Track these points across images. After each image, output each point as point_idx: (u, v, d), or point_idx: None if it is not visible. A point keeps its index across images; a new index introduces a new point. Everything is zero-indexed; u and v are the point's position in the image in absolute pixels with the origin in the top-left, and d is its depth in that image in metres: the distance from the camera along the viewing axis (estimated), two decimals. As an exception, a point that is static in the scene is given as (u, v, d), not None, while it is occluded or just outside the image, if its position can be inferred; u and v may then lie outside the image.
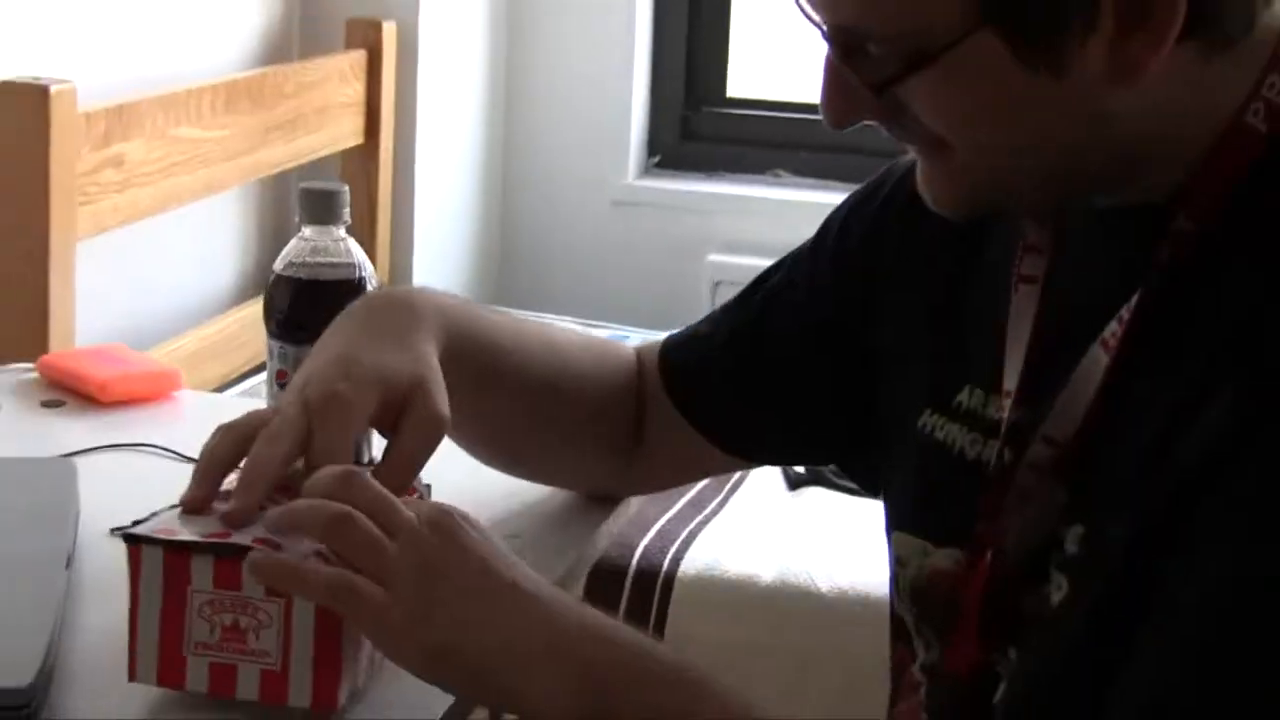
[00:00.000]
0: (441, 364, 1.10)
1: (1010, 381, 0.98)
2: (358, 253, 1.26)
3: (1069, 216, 0.98)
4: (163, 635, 0.96)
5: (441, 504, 0.95)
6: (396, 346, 1.08)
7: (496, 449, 1.25)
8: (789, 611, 1.99)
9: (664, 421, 1.23)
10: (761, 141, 3.39)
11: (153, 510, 1.02)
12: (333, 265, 1.24)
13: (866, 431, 1.13)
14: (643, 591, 2.02)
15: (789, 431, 1.21)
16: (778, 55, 3.42)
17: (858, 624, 1.96)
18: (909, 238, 1.10)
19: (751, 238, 3.17)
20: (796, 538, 2.13)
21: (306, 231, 1.25)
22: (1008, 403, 0.97)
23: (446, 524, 0.93)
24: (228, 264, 2.69)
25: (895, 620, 1.09)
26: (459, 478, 1.19)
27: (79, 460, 1.34)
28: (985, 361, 1.00)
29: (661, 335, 3.02)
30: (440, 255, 3.14)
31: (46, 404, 1.52)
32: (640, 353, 1.27)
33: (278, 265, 1.26)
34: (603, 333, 2.82)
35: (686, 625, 2.01)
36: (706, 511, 2.23)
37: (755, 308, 1.20)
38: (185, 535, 0.96)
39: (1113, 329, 0.91)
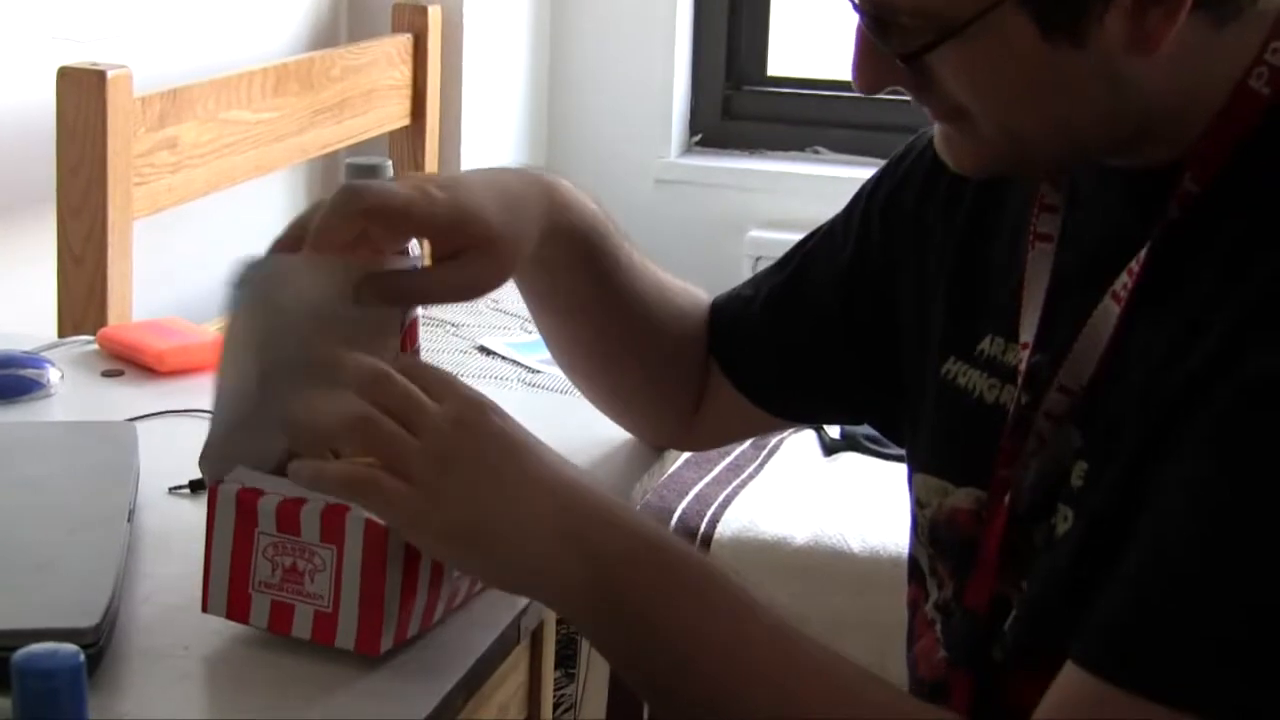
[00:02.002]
0: (559, 243, 1.13)
1: (1027, 333, 1.02)
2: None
3: (1082, 178, 1.02)
4: (233, 572, 1.01)
5: (469, 396, 0.96)
6: (513, 195, 1.10)
7: (575, 351, 1.28)
8: (822, 572, 2.03)
9: (713, 378, 1.27)
10: (801, 119, 3.40)
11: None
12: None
13: (891, 381, 1.17)
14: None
15: (822, 392, 1.24)
16: (817, 34, 3.45)
17: (889, 585, 1.96)
18: (931, 199, 1.14)
19: (791, 214, 3.16)
20: (831, 501, 2.17)
21: None
22: (1025, 353, 1.01)
23: (470, 418, 0.95)
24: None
25: (911, 562, 1.13)
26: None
27: (138, 425, 1.40)
28: (1005, 313, 1.05)
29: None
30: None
31: (107, 374, 1.57)
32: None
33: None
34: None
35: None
36: (744, 476, 2.26)
37: (793, 268, 1.24)
38: (261, 481, 1.02)
39: (1123, 281, 0.95)
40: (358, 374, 0.95)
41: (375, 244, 1.04)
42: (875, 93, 0.97)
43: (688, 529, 2.09)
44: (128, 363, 1.59)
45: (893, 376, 1.17)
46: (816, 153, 3.38)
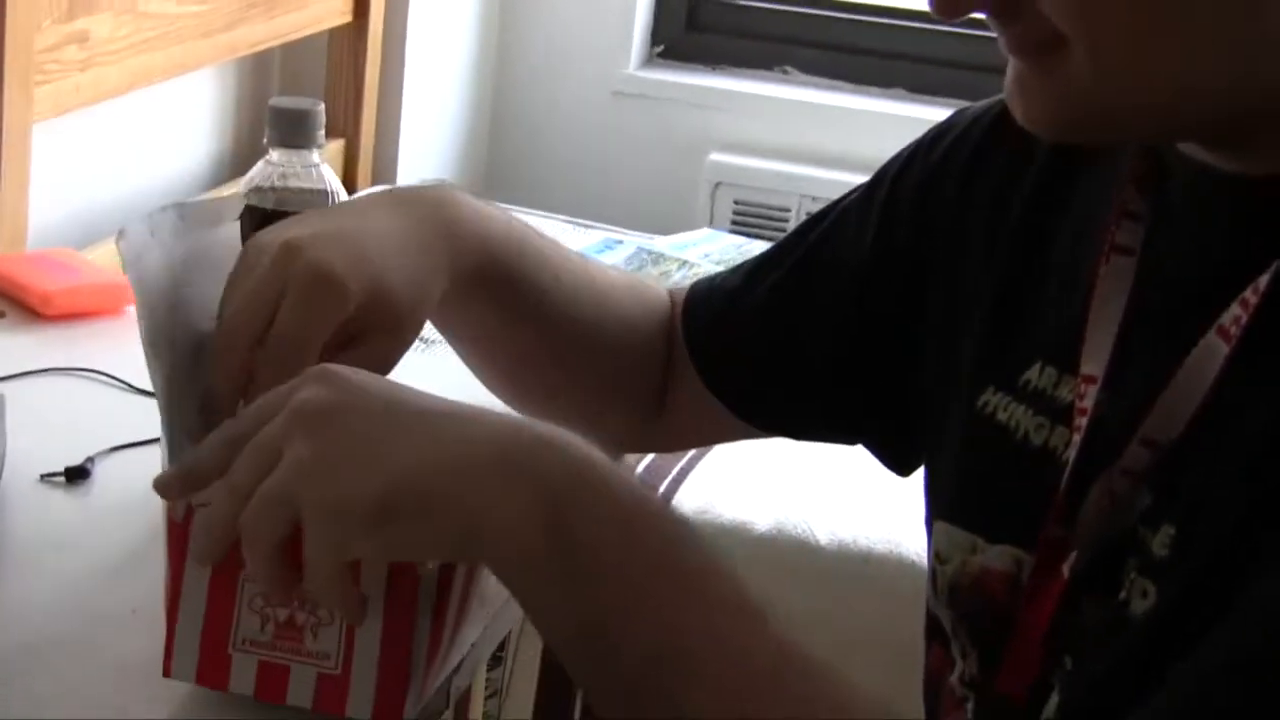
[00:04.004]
0: (470, 284, 1.00)
1: (1093, 365, 0.87)
2: (332, 180, 1.11)
3: (1178, 182, 0.86)
4: (208, 628, 0.84)
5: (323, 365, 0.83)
6: (415, 251, 0.97)
7: (511, 384, 1.14)
8: (784, 564, 1.87)
9: (683, 380, 1.12)
10: (771, 35, 3.25)
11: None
12: (304, 193, 1.10)
13: (908, 409, 1.03)
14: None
15: (818, 406, 1.09)
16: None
17: (857, 582, 1.85)
18: (974, 192, 0.98)
19: (755, 138, 3.08)
20: (796, 483, 2.00)
21: (274, 155, 1.11)
22: (1090, 390, 0.86)
23: (330, 372, 0.80)
24: (202, 147, 2.54)
25: (931, 620, 0.98)
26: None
27: (9, 386, 1.22)
28: (1061, 338, 0.89)
29: (656, 239, 2.89)
30: (428, 145, 3.01)
31: None
32: (673, 298, 1.15)
33: (241, 190, 1.11)
34: (595, 234, 2.70)
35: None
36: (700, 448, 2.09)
37: (791, 264, 1.08)
38: None
39: (1235, 314, 0.79)
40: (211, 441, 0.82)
41: None
42: (956, 18, 0.80)
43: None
44: (9, 302, 1.41)
45: (908, 400, 1.02)
46: (785, 73, 3.22)
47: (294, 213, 1.02)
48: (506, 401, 1.15)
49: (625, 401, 1.14)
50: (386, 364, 0.95)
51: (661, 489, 1.96)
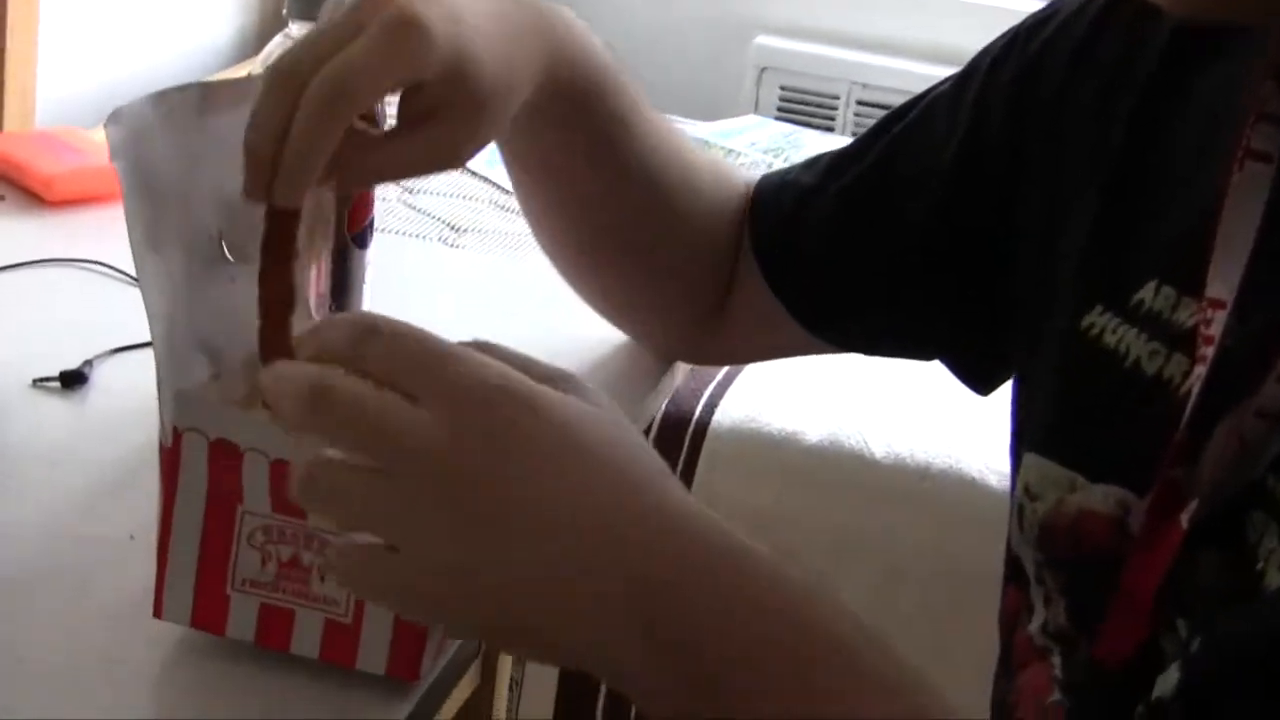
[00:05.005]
0: (557, 100, 0.92)
1: (1220, 287, 0.78)
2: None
3: None
4: (203, 565, 0.76)
5: (468, 386, 0.62)
6: (513, 35, 0.87)
7: (568, 245, 1.05)
8: (835, 478, 1.77)
9: (747, 283, 1.04)
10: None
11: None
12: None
13: (994, 323, 0.94)
14: (667, 443, 1.78)
15: (895, 318, 1.01)
16: None
17: (913, 500, 1.75)
18: (1079, 87, 0.89)
19: (804, 20, 2.97)
20: (850, 392, 1.90)
21: (294, 29, 1.02)
22: (1218, 315, 0.77)
23: (504, 408, 0.62)
24: (221, 20, 2.44)
25: (1011, 560, 0.89)
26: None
27: (3, 278, 1.13)
28: (1181, 254, 0.80)
29: (699, 125, 2.77)
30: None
31: None
32: (750, 185, 1.06)
33: (256, 68, 1.02)
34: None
35: (716, 486, 1.78)
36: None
37: (875, 157, 1.00)
38: (241, 430, 0.74)
39: None
40: (333, 332, 0.64)
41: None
42: None
43: (678, 414, 1.81)
44: (8, 185, 1.33)
45: (995, 314, 0.94)
46: (836, -49, 3.10)
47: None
48: (559, 266, 1.07)
49: (686, 292, 1.06)
50: (457, 155, 0.84)
51: (705, 395, 1.86)
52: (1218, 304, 0.77)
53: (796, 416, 1.83)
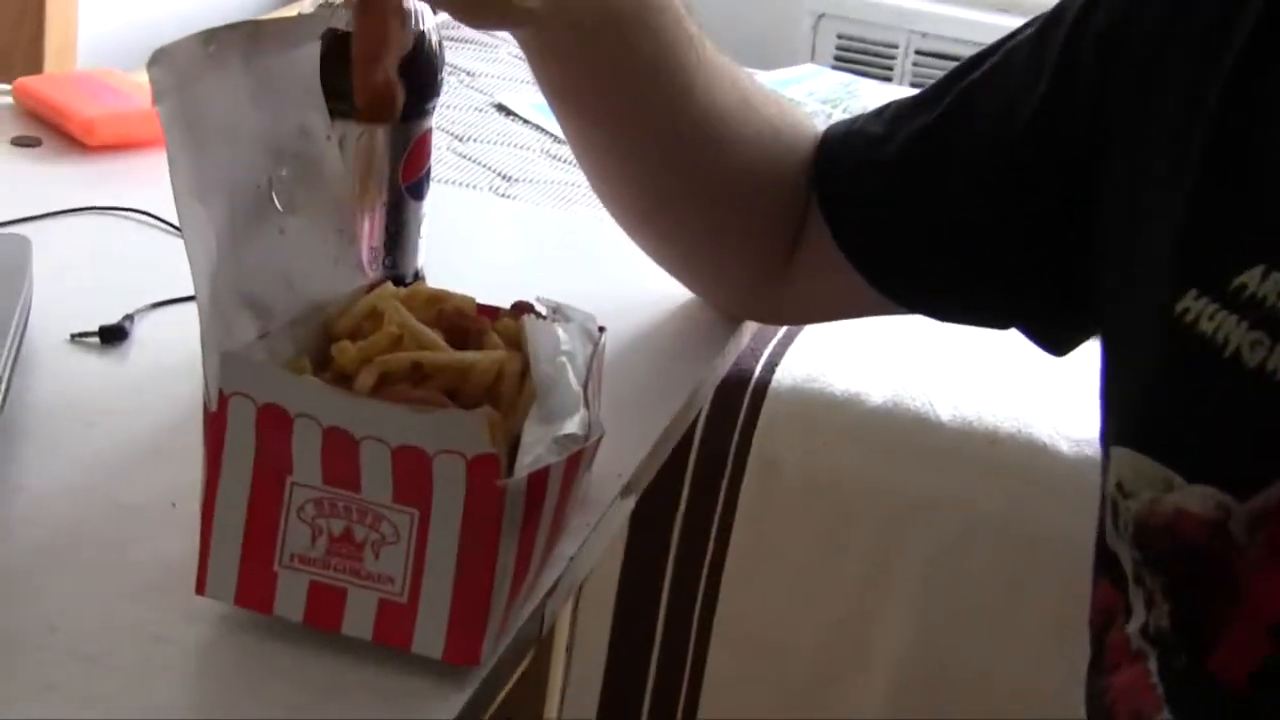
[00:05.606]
0: (620, 14, 0.90)
1: None
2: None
3: None
4: (249, 539, 0.71)
5: None
6: None
7: (623, 180, 1.00)
8: (900, 441, 1.71)
9: (814, 237, 0.99)
10: None
11: None
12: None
13: (1072, 289, 0.89)
14: (725, 403, 1.73)
15: (967, 278, 0.95)
16: None
17: (981, 464, 1.69)
18: (1175, 40, 0.83)
19: None
20: (916, 352, 1.84)
21: None
22: None
23: None
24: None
25: (1105, 553, 0.84)
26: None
27: (39, 228, 1.07)
28: None
29: (755, 74, 2.74)
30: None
31: (19, 141, 1.24)
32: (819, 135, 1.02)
33: (307, 6, 0.95)
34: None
35: (775, 447, 1.73)
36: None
37: (947, 105, 0.94)
38: (291, 394, 0.69)
39: None
40: None
41: None
42: None
43: (738, 374, 1.76)
44: (47, 128, 1.28)
45: (1074, 279, 0.89)
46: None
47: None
48: (617, 216, 1.02)
49: (752, 245, 1.01)
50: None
51: (765, 354, 1.80)
52: None
53: (859, 377, 1.78)
